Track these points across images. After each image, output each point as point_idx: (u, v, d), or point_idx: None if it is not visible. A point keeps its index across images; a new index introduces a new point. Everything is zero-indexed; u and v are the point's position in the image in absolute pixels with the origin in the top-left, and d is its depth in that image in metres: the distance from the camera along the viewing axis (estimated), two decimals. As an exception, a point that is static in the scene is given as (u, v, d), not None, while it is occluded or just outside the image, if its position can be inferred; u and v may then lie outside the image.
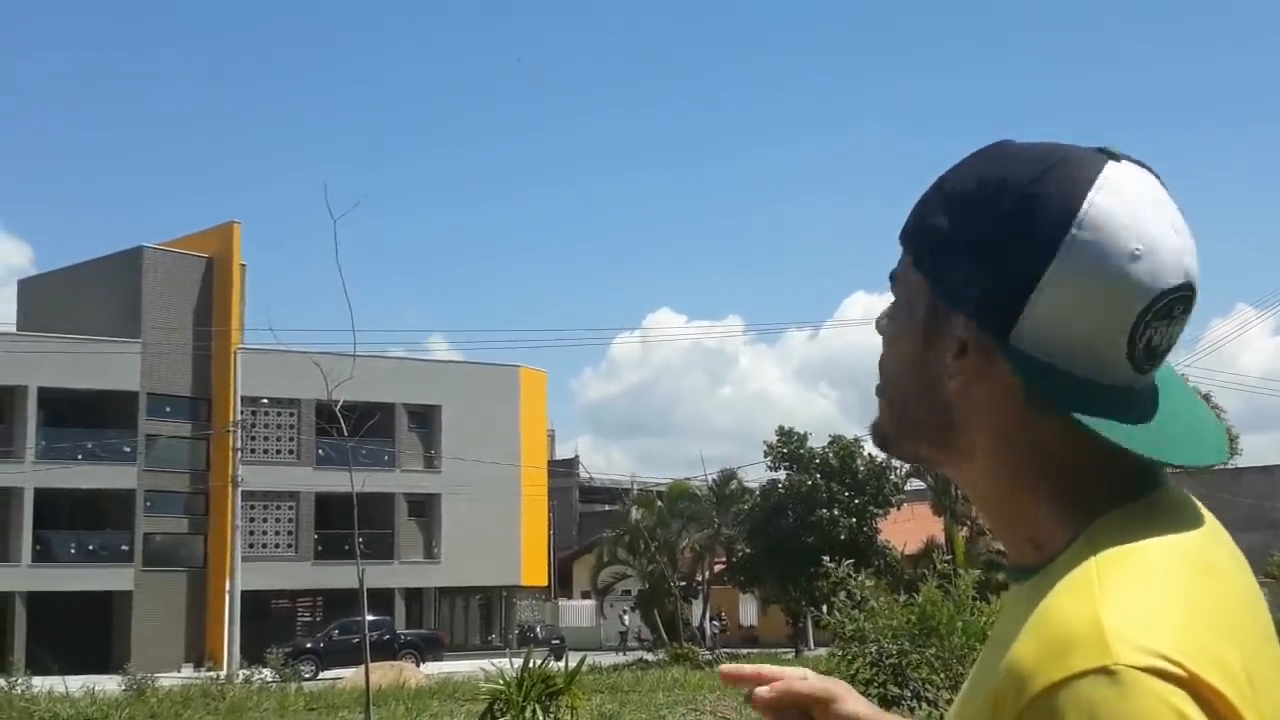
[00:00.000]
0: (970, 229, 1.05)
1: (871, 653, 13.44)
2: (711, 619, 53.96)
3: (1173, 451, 1.03)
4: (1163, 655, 0.91)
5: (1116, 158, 1.05)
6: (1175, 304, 1.02)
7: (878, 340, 1.16)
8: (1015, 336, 1.03)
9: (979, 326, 1.05)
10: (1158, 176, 1.06)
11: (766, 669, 1.30)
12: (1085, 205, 1.01)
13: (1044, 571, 1.03)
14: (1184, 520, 1.04)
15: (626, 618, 54.80)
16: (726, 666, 1.33)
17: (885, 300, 1.15)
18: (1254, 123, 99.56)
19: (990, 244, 1.04)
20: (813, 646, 44.23)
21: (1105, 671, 0.90)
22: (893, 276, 1.14)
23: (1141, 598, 0.95)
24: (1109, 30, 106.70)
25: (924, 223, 1.09)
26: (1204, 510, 1.08)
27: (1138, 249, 1.00)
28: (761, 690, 1.28)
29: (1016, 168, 1.05)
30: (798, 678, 1.28)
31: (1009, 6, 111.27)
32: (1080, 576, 0.98)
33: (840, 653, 14.58)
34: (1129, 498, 1.04)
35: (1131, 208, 1.01)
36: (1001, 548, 1.21)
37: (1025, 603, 1.02)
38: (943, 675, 12.99)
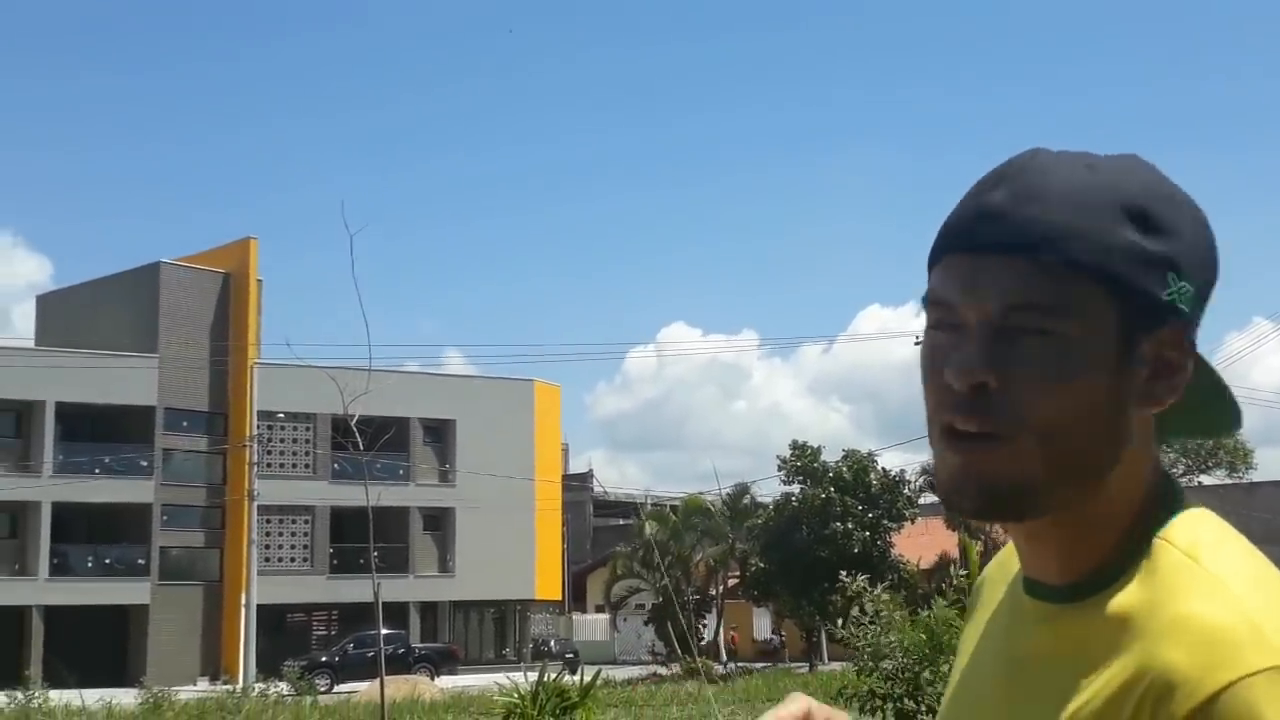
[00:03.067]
0: (1179, 241, 1.02)
1: (887, 668, 13.46)
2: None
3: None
4: None
5: None
6: None
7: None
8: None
9: (1187, 337, 1.04)
10: None
11: None
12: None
13: (1107, 591, 1.02)
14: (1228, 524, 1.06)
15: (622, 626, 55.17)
16: None
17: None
18: (1268, 139, 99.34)
19: (1201, 256, 1.04)
20: (826, 661, 44.16)
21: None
22: (1023, 306, 1.00)
23: (1275, 603, 0.97)
24: (1118, 49, 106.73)
25: (1106, 240, 1.00)
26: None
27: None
28: None
29: (1172, 185, 1.06)
30: None
31: (1023, 24, 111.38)
32: (1205, 584, 0.98)
33: (856, 667, 14.63)
34: (1176, 505, 1.06)
35: None
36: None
37: (1081, 621, 1.02)
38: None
